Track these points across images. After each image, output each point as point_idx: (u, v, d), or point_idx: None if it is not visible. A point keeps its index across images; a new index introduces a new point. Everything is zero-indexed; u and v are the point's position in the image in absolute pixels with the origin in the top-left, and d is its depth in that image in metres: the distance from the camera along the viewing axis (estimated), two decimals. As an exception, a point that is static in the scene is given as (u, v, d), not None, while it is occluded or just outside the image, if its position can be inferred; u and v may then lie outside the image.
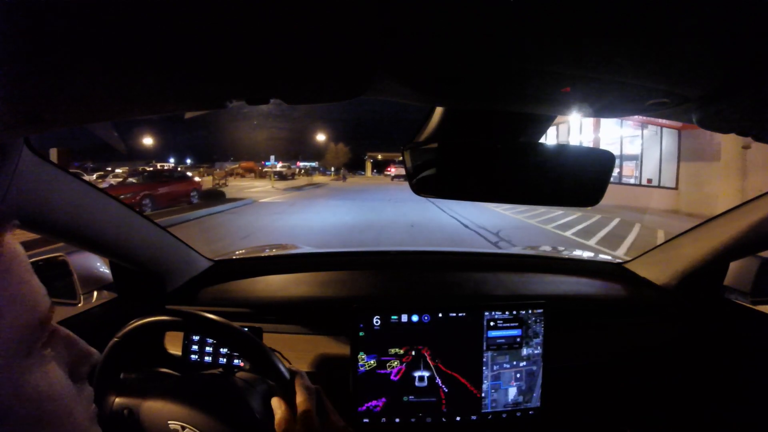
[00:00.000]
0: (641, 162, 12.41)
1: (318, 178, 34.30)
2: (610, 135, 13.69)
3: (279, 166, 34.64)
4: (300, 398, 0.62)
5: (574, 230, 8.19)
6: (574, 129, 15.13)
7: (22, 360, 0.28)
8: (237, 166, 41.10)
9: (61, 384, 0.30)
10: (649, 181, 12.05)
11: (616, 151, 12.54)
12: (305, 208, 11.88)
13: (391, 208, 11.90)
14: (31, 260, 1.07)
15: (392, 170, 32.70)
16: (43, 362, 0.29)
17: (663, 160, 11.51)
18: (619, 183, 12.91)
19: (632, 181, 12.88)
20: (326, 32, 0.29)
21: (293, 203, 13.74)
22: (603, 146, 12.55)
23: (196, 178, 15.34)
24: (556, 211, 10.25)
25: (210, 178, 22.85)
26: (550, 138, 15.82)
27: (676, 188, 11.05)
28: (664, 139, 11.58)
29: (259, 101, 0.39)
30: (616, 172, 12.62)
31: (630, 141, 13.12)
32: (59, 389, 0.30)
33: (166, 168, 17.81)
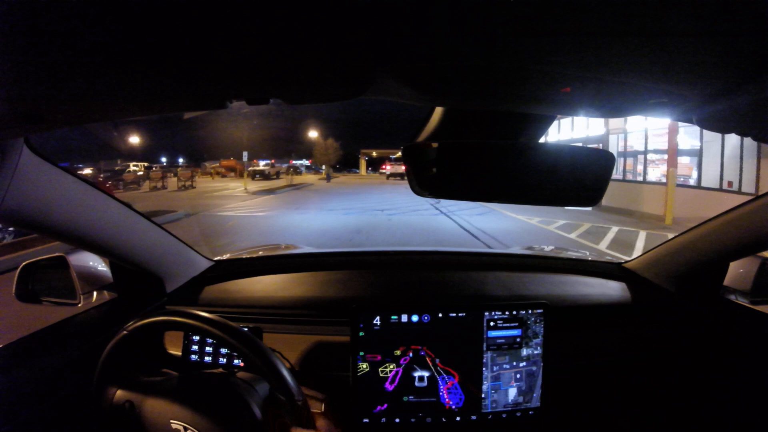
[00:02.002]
0: (721, 161, 9.17)
1: (304, 178, 32.04)
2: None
3: (263, 164, 32.33)
4: (312, 409, 0.62)
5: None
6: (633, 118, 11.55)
7: None
8: (218, 164, 38.53)
9: None
10: (730, 184, 8.91)
11: (695, 144, 9.80)
12: (250, 229, 7.95)
13: (384, 230, 7.70)
14: (32, 260, 1.06)
15: (387, 168, 30.51)
16: None
17: (735, 157, 8.57)
18: (698, 187, 9.69)
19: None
20: (326, 33, 0.29)
21: (243, 218, 9.42)
22: (684, 136, 9.95)
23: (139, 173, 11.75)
24: (637, 233, 7.45)
25: (176, 179, 20.11)
26: (598, 125, 12.80)
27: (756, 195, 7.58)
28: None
29: (259, 101, 0.39)
30: (695, 173, 9.78)
31: (690, 133, 9.64)
32: None
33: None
